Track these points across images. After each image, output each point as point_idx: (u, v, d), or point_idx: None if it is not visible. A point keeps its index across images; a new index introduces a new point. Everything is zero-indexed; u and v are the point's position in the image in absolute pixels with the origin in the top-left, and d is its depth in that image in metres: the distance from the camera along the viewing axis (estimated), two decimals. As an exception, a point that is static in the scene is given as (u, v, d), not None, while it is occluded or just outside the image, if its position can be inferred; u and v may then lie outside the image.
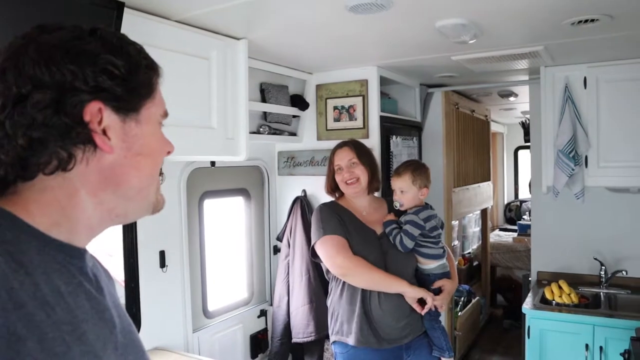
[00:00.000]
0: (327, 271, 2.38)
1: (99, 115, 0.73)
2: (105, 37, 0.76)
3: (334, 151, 2.47)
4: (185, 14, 2.08)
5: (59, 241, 0.73)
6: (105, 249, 2.45)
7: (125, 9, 1.71)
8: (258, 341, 3.23)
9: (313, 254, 2.39)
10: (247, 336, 3.18)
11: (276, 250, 3.44)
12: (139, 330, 2.37)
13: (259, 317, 3.29)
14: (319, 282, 3.12)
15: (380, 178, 2.50)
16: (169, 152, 0.88)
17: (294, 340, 3.11)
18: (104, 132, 0.74)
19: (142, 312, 2.43)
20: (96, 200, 0.76)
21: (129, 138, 0.77)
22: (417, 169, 2.38)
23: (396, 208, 2.40)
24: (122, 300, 2.38)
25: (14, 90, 0.68)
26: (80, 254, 0.77)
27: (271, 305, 3.33)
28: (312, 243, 2.36)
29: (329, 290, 2.42)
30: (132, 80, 0.77)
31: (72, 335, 0.66)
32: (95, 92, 0.72)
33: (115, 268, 2.43)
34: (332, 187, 2.47)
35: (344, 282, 2.30)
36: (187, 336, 2.71)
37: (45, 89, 0.69)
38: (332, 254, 2.26)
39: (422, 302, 2.27)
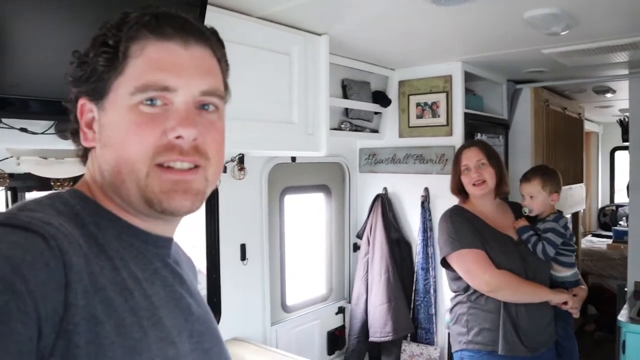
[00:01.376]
0: (455, 278, 2.28)
1: (83, 110, 0.75)
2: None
3: (460, 151, 2.38)
4: (267, 11, 2.11)
5: (136, 227, 0.75)
6: (191, 241, 2.55)
7: (208, 6, 1.75)
8: (335, 338, 3.23)
9: (444, 264, 2.30)
10: (325, 332, 3.19)
11: (356, 247, 3.43)
12: (219, 320, 2.45)
13: (336, 314, 3.29)
14: (398, 281, 3.08)
15: (508, 183, 2.38)
16: (178, 137, 0.70)
17: (371, 339, 3.08)
18: (90, 125, 0.75)
19: (223, 302, 2.50)
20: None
21: (100, 128, 0.73)
22: (546, 173, 2.33)
23: (525, 214, 2.33)
24: (204, 290, 2.47)
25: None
26: (154, 240, 0.77)
27: (349, 302, 3.31)
28: (443, 253, 2.26)
29: (456, 298, 2.30)
30: (89, 62, 0.72)
31: (149, 321, 0.67)
32: (76, 87, 0.74)
33: (199, 260, 2.53)
34: (459, 188, 2.35)
35: None
36: (265, 329, 2.76)
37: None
38: (475, 271, 2.16)
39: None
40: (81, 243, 0.64)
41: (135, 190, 0.71)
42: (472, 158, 2.29)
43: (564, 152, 4.44)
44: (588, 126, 5.86)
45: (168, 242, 0.80)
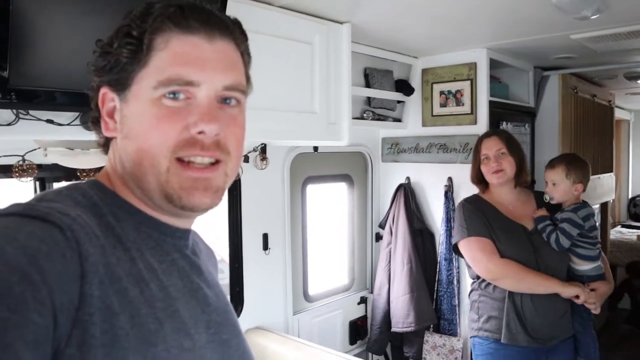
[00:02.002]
0: (469, 266, 2.32)
1: (104, 99, 0.75)
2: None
3: (480, 140, 2.37)
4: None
5: (154, 218, 0.75)
6: (214, 232, 2.57)
7: (229, -4, 1.75)
8: (357, 328, 3.24)
9: (455, 250, 2.36)
10: (347, 322, 3.19)
11: (378, 237, 3.41)
12: (241, 310, 2.47)
13: (359, 303, 3.29)
14: (420, 271, 3.06)
15: (529, 172, 2.37)
16: (200, 132, 0.70)
17: (393, 329, 3.07)
18: (112, 115, 0.75)
19: (245, 292, 2.52)
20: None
21: (121, 119, 0.74)
22: (572, 162, 2.27)
23: (546, 201, 2.29)
24: (226, 280, 2.49)
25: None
26: (172, 231, 0.77)
27: (371, 292, 3.31)
28: (454, 240, 2.35)
29: (472, 285, 2.36)
30: (112, 52, 0.72)
31: (164, 313, 0.67)
32: (98, 76, 0.74)
33: (223, 250, 2.55)
34: (479, 177, 2.36)
35: None
36: (288, 318, 2.77)
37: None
38: (479, 258, 2.20)
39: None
40: (98, 234, 0.64)
41: (156, 184, 0.71)
42: (492, 147, 2.29)
43: (593, 141, 4.34)
44: (619, 114, 5.71)
45: (186, 233, 0.81)
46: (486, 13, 2.35)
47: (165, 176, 0.70)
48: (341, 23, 2.42)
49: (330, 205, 3.29)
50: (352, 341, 3.22)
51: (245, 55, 0.79)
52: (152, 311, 0.65)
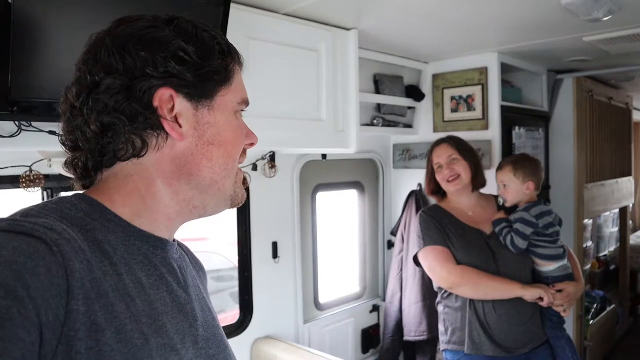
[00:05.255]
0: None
1: (171, 102, 0.73)
2: (181, 25, 0.75)
3: (431, 150, 2.35)
4: (293, 6, 2.08)
5: (144, 232, 0.74)
6: (229, 239, 2.57)
7: (232, 4, 1.74)
8: (370, 336, 3.20)
9: (416, 262, 2.32)
10: (359, 331, 3.16)
11: (390, 245, 3.38)
12: (251, 318, 2.46)
13: (371, 312, 3.25)
14: (433, 279, 3.01)
15: (484, 174, 2.34)
16: (251, 144, 0.84)
17: (405, 338, 3.03)
18: (176, 119, 0.73)
19: (255, 300, 2.50)
20: (172, 190, 0.76)
21: (200, 126, 0.75)
22: (519, 161, 2.22)
23: (500, 204, 2.26)
24: (236, 288, 2.48)
25: (89, 78, 0.71)
26: (163, 245, 0.77)
27: (384, 300, 3.27)
28: (413, 252, 2.33)
29: (438, 297, 2.32)
30: (203, 67, 0.75)
31: (150, 328, 0.66)
32: (166, 78, 0.72)
33: (235, 258, 2.55)
34: (433, 188, 2.35)
35: None
36: (298, 327, 2.75)
37: (117, 75, 0.70)
38: (434, 267, 2.17)
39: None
40: (84, 248, 0.63)
41: (230, 185, 0.80)
42: (443, 155, 2.27)
43: (610, 144, 4.25)
44: (637, 116, 5.60)
45: (172, 245, 0.80)
46: (496, 17, 2.32)
47: (234, 179, 0.81)
48: (348, 30, 2.40)
49: (341, 212, 3.26)
50: (365, 350, 3.18)
51: None
52: (138, 327, 0.65)
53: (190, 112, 0.75)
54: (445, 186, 2.28)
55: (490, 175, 2.44)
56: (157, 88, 0.72)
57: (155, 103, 0.72)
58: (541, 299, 2.05)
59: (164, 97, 0.72)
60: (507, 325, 2.09)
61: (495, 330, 2.09)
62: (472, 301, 2.12)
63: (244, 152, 0.83)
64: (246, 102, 0.83)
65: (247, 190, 2.47)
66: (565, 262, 2.16)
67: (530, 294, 2.06)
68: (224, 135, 0.78)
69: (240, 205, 0.84)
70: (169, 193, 0.76)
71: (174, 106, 0.73)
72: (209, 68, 0.76)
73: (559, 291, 2.08)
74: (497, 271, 2.10)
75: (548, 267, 2.15)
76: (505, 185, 2.22)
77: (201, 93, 0.75)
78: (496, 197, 2.36)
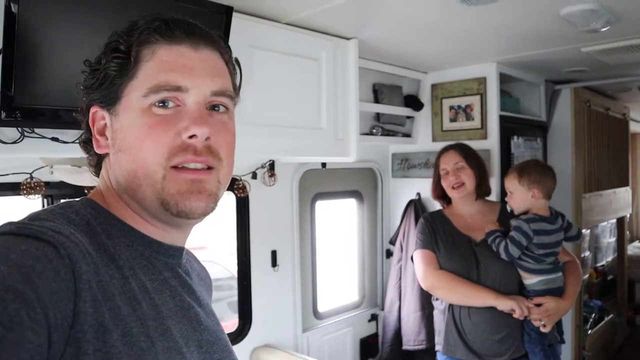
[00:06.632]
0: None
1: (94, 117, 0.76)
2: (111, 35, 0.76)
3: (439, 155, 2.39)
4: (294, 16, 2.10)
5: (147, 237, 0.75)
6: (227, 248, 2.56)
7: (236, 14, 1.75)
8: (368, 346, 3.20)
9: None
10: (357, 340, 3.15)
11: (389, 254, 3.38)
12: (249, 327, 2.45)
13: (369, 321, 3.25)
14: (431, 288, 3.01)
15: (490, 182, 2.38)
16: (192, 136, 0.70)
17: (404, 347, 3.02)
18: (103, 132, 0.76)
19: (254, 309, 2.50)
20: (125, 201, 0.76)
21: (113, 134, 0.74)
22: (525, 167, 2.21)
23: (509, 211, 2.28)
24: (235, 297, 2.47)
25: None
26: (166, 249, 0.77)
27: (382, 309, 3.26)
28: (410, 254, 2.44)
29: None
30: (99, 70, 0.73)
31: (156, 331, 0.67)
32: (87, 95, 0.75)
33: (234, 266, 2.54)
34: (439, 193, 2.39)
35: None
36: (297, 336, 2.74)
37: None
38: (418, 269, 2.27)
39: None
40: (91, 252, 0.64)
41: (152, 193, 0.71)
42: (450, 161, 2.30)
43: (608, 154, 4.28)
44: (634, 127, 5.63)
45: (179, 251, 0.80)
46: (495, 28, 2.34)
47: (161, 184, 0.71)
48: (348, 39, 2.42)
49: (340, 221, 3.27)
50: (363, 359, 3.17)
51: (230, 65, 0.81)
52: (144, 329, 0.65)
53: (109, 122, 0.75)
54: (449, 192, 2.31)
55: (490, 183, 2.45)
56: (89, 107, 0.76)
57: (90, 123, 0.76)
58: (513, 310, 2.04)
59: (95, 115, 0.76)
60: (481, 332, 2.11)
61: (470, 336, 2.13)
62: (450, 305, 2.19)
63: (187, 148, 0.71)
64: (157, 89, 0.70)
65: (246, 198, 2.48)
66: (550, 276, 2.11)
67: (502, 304, 2.05)
68: (128, 139, 0.72)
69: (190, 211, 0.72)
70: (128, 203, 0.76)
71: (94, 122, 0.77)
72: (104, 71, 0.73)
73: (538, 305, 2.06)
74: (478, 278, 2.12)
75: (530, 280, 2.13)
76: (511, 193, 2.22)
77: (108, 99, 0.74)
78: (504, 204, 2.37)
